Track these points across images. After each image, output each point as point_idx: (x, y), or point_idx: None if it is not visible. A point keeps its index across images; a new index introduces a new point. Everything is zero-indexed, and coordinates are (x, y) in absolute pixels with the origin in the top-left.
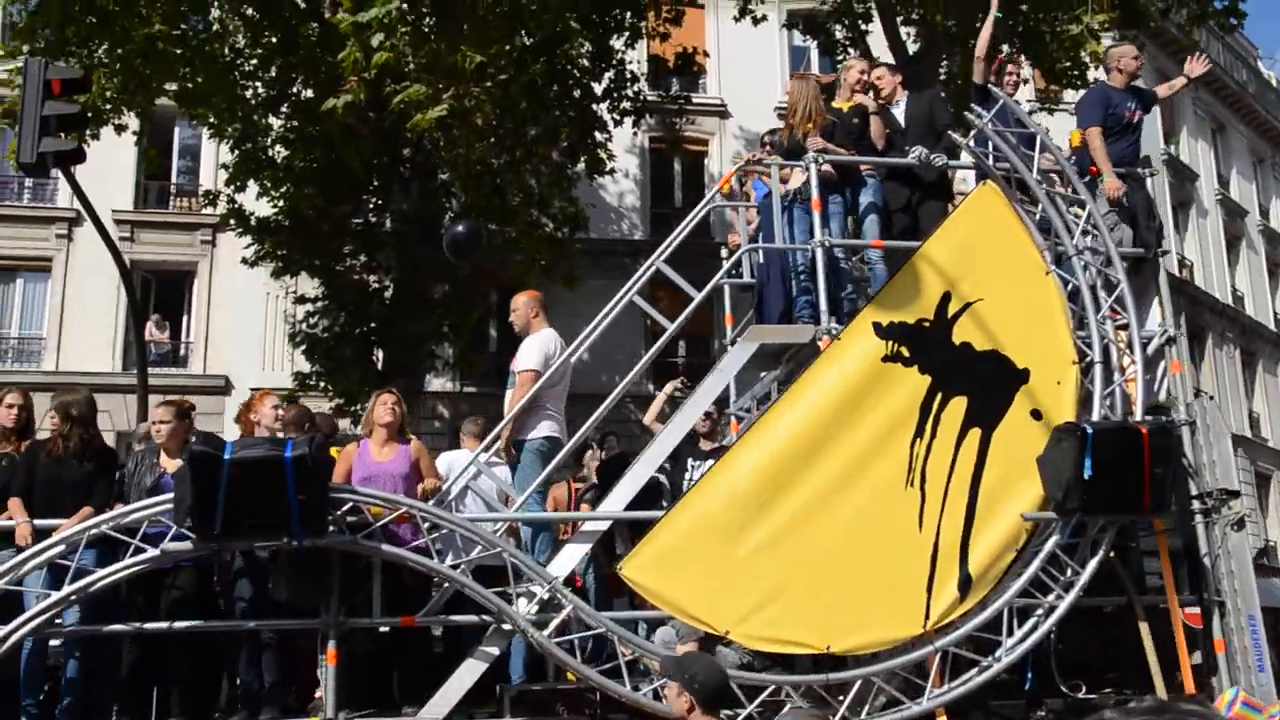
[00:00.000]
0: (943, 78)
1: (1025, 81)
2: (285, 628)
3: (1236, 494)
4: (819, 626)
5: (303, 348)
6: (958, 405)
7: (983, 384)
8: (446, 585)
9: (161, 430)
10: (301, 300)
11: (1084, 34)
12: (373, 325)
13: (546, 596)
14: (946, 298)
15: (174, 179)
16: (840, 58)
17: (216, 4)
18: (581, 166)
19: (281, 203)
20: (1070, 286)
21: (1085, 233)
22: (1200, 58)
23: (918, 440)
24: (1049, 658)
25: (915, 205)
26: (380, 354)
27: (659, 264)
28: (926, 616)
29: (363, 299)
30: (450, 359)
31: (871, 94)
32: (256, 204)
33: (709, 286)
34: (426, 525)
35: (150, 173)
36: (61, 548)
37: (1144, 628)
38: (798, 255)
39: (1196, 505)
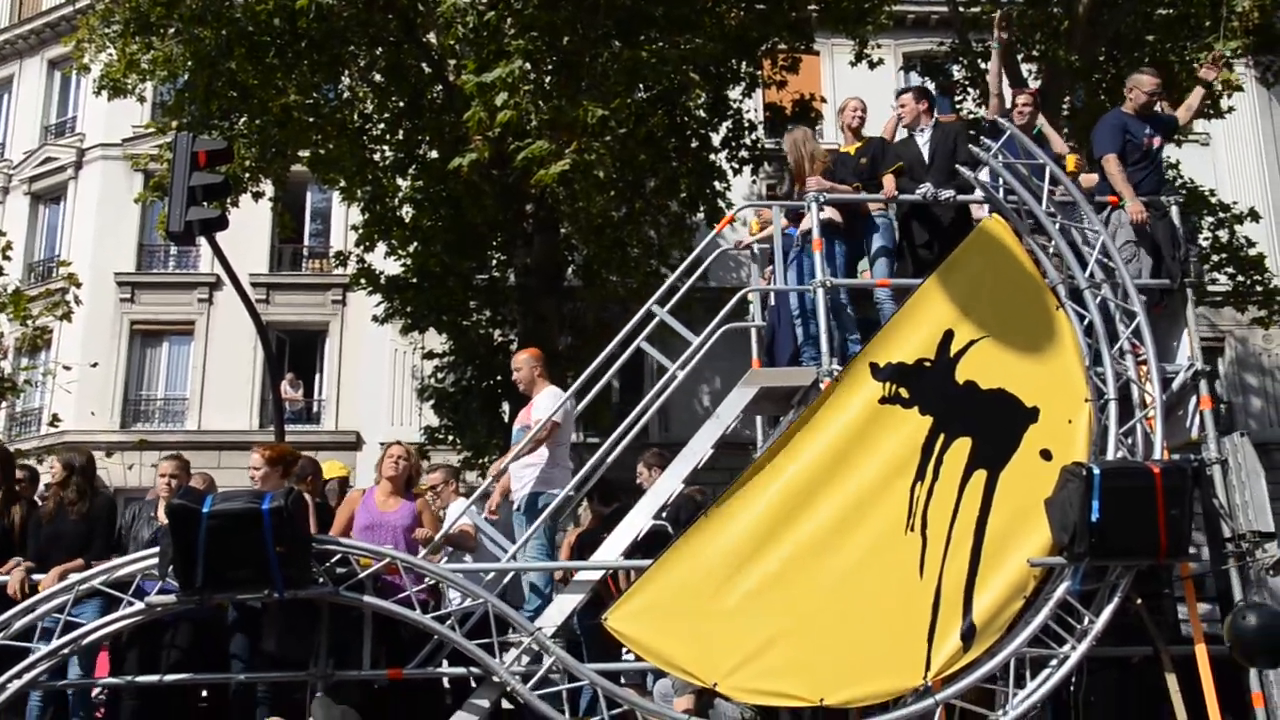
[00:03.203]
0: (1065, 112)
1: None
2: (272, 679)
3: (1272, 536)
4: (812, 678)
5: (431, 402)
6: (961, 446)
7: (988, 424)
8: (435, 636)
9: (173, 484)
10: (430, 355)
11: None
12: (499, 378)
13: (536, 648)
14: (949, 335)
15: (306, 241)
16: (959, 98)
17: (347, 73)
18: (700, 216)
19: (409, 261)
20: (1086, 321)
21: (1099, 264)
22: (1217, 59)
23: (919, 483)
24: (1076, 711)
25: (936, 243)
26: (507, 406)
27: (660, 312)
28: (927, 667)
29: (489, 353)
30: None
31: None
32: (385, 263)
33: (707, 332)
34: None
35: (284, 236)
36: (55, 602)
37: (1171, 679)
38: (804, 297)
39: (1230, 548)
